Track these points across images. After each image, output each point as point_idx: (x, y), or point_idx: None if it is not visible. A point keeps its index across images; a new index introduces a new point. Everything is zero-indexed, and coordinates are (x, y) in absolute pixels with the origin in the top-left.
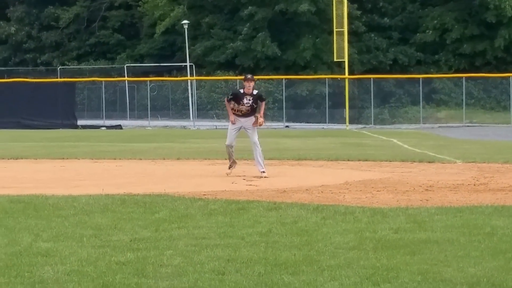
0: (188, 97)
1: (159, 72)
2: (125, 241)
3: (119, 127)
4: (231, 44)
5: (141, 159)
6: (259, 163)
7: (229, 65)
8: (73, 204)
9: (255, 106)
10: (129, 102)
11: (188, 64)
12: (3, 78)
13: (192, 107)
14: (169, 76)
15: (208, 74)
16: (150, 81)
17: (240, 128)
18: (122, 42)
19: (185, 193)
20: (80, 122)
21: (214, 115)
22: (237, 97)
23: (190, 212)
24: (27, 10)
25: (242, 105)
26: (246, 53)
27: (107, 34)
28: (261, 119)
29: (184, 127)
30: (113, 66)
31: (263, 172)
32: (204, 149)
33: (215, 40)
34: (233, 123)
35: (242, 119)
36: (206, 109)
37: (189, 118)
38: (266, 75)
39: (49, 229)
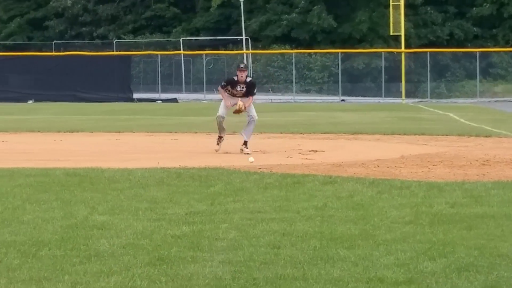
0: None
1: (214, 45)
2: (180, 214)
3: (174, 100)
4: (286, 16)
5: (196, 133)
6: (245, 133)
7: (285, 39)
8: (129, 177)
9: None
10: (184, 76)
11: (243, 37)
12: (59, 51)
13: None
14: (224, 50)
15: (263, 48)
16: (206, 54)
17: (236, 104)
18: (178, 15)
19: (240, 167)
20: (135, 96)
21: (270, 89)
22: (231, 84)
23: (245, 186)
24: None
25: (236, 91)
26: (301, 26)
27: (163, 7)
28: (241, 103)
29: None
30: (169, 39)
31: (245, 145)
32: (259, 123)
33: (271, 14)
34: (228, 108)
35: (239, 98)
36: (262, 83)
37: None
38: (322, 49)
39: (104, 202)
